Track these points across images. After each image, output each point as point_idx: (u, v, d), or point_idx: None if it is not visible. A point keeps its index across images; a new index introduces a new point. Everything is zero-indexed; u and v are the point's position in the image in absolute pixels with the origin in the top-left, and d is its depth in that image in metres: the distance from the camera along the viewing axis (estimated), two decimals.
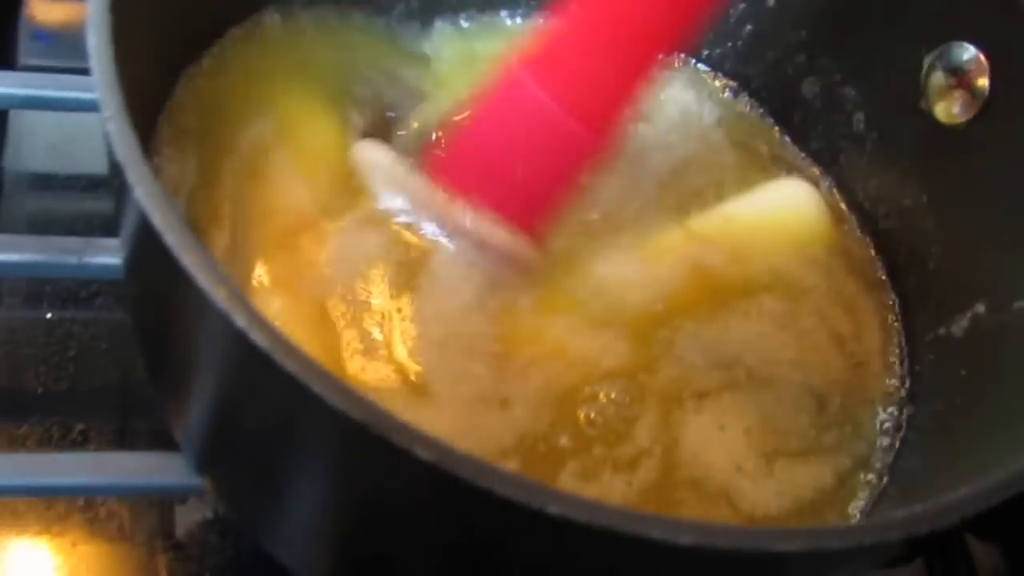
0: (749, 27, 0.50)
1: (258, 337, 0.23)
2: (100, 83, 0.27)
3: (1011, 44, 0.38)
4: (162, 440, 0.40)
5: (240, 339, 0.23)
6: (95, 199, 0.50)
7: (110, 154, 0.27)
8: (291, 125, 0.42)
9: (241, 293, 0.24)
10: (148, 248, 0.26)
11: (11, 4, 0.54)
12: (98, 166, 0.49)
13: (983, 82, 0.39)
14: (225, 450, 0.33)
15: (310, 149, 0.42)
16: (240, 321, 0.23)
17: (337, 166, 0.41)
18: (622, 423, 0.37)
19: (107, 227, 0.46)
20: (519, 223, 0.39)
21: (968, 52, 0.39)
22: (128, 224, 0.29)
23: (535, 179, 0.39)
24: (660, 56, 0.39)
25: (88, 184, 0.51)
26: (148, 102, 0.38)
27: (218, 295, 0.24)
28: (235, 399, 0.29)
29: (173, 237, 0.24)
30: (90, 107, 0.45)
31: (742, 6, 0.49)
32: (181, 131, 0.40)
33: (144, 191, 0.25)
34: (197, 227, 0.38)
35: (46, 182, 0.51)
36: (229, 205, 0.39)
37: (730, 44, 0.51)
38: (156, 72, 0.39)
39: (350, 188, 0.41)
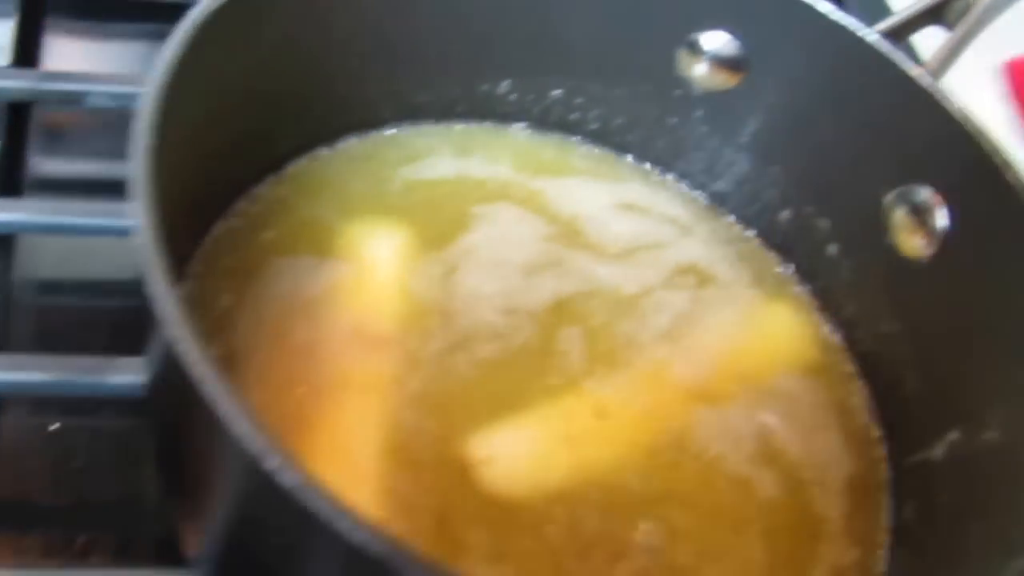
0: (729, 163, 0.53)
1: (287, 478, 0.25)
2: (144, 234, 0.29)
3: (963, 186, 0.41)
4: (165, 554, 0.41)
5: (268, 479, 0.25)
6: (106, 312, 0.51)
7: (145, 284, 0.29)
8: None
9: (269, 434, 0.26)
10: (180, 389, 0.28)
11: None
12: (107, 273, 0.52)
13: (941, 220, 0.42)
14: (242, 571, 0.34)
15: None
16: (271, 463, 0.25)
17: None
18: None
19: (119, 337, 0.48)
20: None
21: (924, 193, 0.43)
22: (157, 360, 0.31)
23: None
24: None
25: (98, 293, 0.53)
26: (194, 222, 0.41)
27: (248, 438, 0.25)
28: (257, 528, 0.30)
29: (209, 389, 0.26)
30: (98, 232, 0.48)
31: (716, 138, 0.53)
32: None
33: (182, 345, 0.27)
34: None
35: (55, 294, 0.52)
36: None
37: (712, 170, 0.54)
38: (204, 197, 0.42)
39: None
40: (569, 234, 0.51)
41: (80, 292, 0.53)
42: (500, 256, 0.48)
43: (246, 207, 0.47)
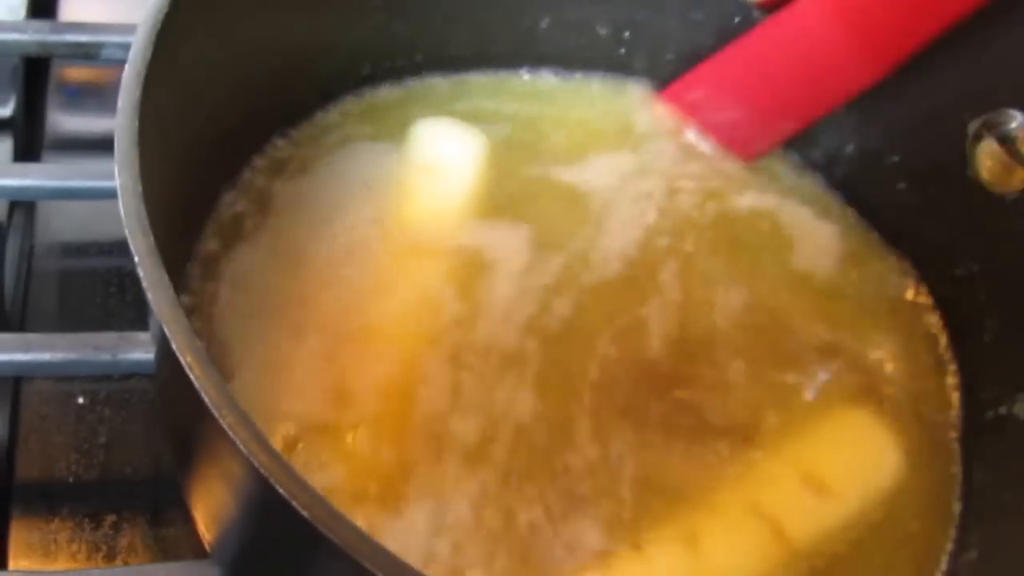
0: None
1: (280, 484, 0.22)
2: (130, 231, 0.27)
3: None
4: (195, 528, 0.39)
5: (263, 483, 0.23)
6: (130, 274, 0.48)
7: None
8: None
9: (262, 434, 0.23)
10: (173, 370, 0.25)
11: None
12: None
13: None
14: (257, 564, 0.32)
15: None
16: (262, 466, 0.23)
17: None
18: None
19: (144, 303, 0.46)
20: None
21: (1016, 119, 0.38)
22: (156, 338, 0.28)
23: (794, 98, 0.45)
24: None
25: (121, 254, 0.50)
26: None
27: (239, 435, 0.23)
28: (262, 529, 0.28)
29: (198, 377, 0.24)
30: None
31: None
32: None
33: (178, 343, 0.24)
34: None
35: (78, 257, 0.50)
36: None
37: None
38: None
39: None
40: None
41: (103, 254, 0.50)
42: None
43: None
